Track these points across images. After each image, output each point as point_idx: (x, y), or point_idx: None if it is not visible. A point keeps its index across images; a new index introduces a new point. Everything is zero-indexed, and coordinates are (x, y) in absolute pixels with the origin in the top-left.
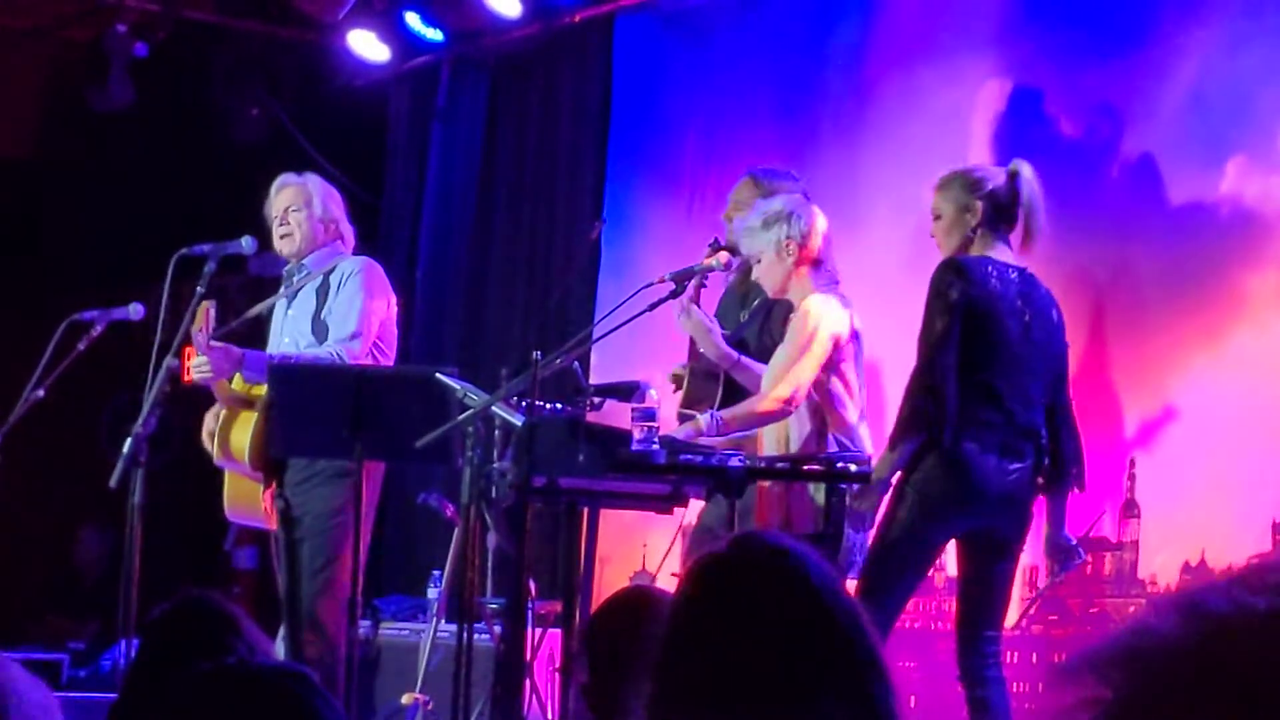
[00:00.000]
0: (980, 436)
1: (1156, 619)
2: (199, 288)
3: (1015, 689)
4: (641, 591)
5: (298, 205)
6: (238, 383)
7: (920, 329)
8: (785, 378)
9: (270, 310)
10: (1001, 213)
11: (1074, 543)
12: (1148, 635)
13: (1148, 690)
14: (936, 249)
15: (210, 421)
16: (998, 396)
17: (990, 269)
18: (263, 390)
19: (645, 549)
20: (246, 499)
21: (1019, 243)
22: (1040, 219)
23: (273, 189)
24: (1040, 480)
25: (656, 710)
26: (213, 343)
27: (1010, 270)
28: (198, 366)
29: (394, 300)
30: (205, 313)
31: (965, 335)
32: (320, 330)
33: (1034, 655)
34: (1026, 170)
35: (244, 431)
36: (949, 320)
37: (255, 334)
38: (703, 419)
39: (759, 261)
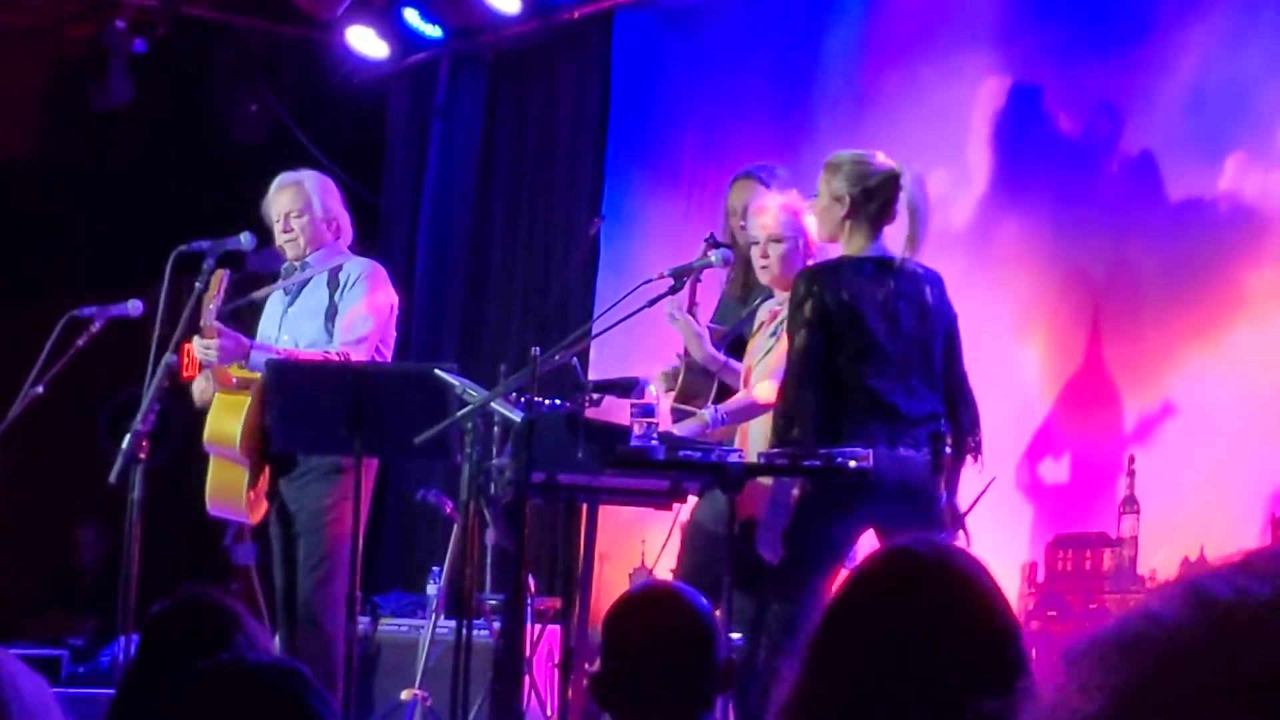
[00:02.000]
0: (865, 434)
1: (1160, 606)
2: (198, 284)
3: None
4: (660, 587)
5: (298, 209)
6: (236, 368)
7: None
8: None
9: (266, 299)
10: (875, 209)
11: (961, 512)
12: (1151, 622)
13: (1151, 677)
14: (937, 246)
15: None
16: (876, 396)
17: (846, 270)
18: (258, 377)
19: (644, 545)
20: (228, 492)
21: (902, 247)
22: (924, 225)
23: (271, 190)
24: (944, 466)
25: (807, 707)
26: (223, 328)
27: (867, 265)
28: (205, 347)
29: (396, 302)
30: (220, 280)
31: (830, 344)
32: (332, 324)
33: (1033, 651)
34: (908, 174)
35: (236, 418)
36: (806, 335)
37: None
38: (706, 413)
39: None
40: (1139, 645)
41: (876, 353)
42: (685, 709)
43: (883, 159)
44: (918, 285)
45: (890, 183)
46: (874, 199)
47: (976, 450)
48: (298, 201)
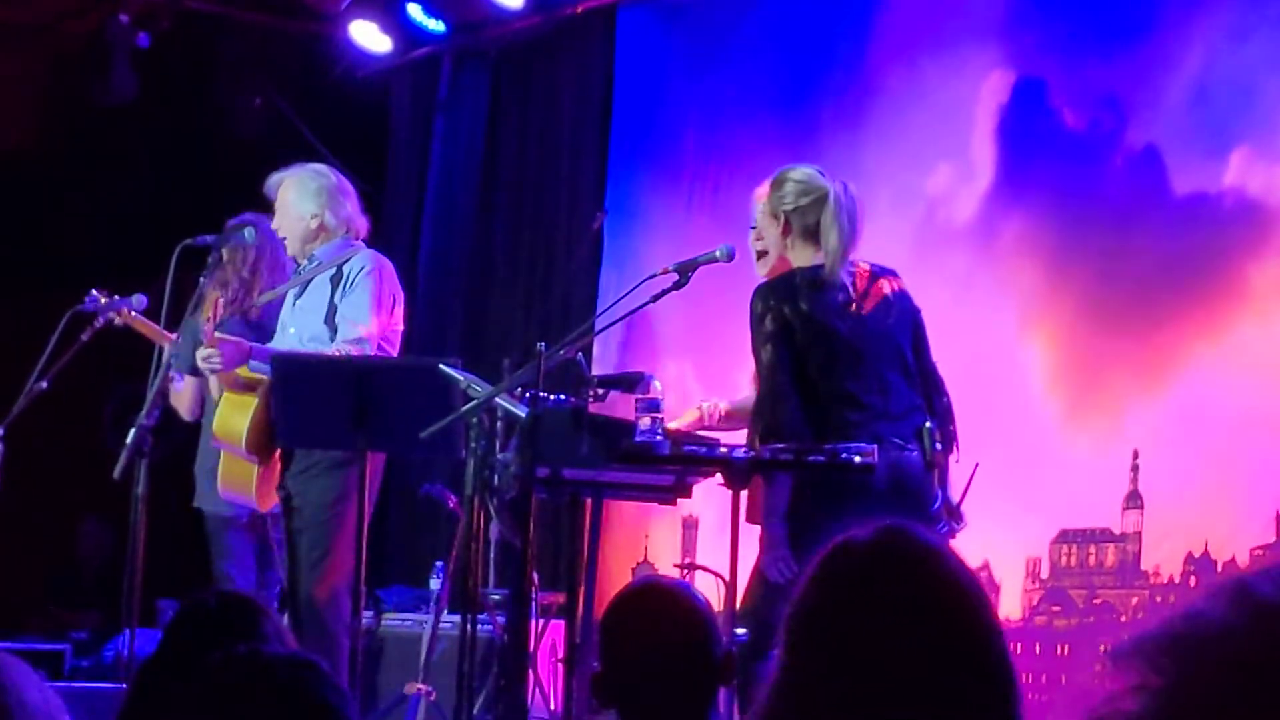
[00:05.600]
0: (852, 436)
1: (1205, 606)
2: (201, 278)
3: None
4: (656, 584)
5: (280, 206)
6: (243, 369)
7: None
8: None
9: (280, 299)
10: (811, 224)
11: (957, 506)
12: (1197, 622)
13: (1197, 675)
14: (941, 242)
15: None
16: (853, 396)
17: (800, 280)
18: (264, 378)
19: (647, 540)
20: (239, 479)
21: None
22: (839, 242)
23: (266, 188)
24: (937, 463)
25: (784, 700)
26: (222, 335)
27: (819, 270)
28: (207, 358)
29: (401, 298)
30: (215, 303)
31: (799, 353)
32: (333, 322)
33: (1037, 646)
34: (834, 194)
35: (243, 417)
36: (772, 349)
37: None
38: (706, 405)
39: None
40: (1186, 645)
41: (847, 354)
42: (687, 704)
43: (820, 180)
44: (875, 282)
45: (820, 202)
46: (806, 217)
47: (952, 441)
48: (281, 198)
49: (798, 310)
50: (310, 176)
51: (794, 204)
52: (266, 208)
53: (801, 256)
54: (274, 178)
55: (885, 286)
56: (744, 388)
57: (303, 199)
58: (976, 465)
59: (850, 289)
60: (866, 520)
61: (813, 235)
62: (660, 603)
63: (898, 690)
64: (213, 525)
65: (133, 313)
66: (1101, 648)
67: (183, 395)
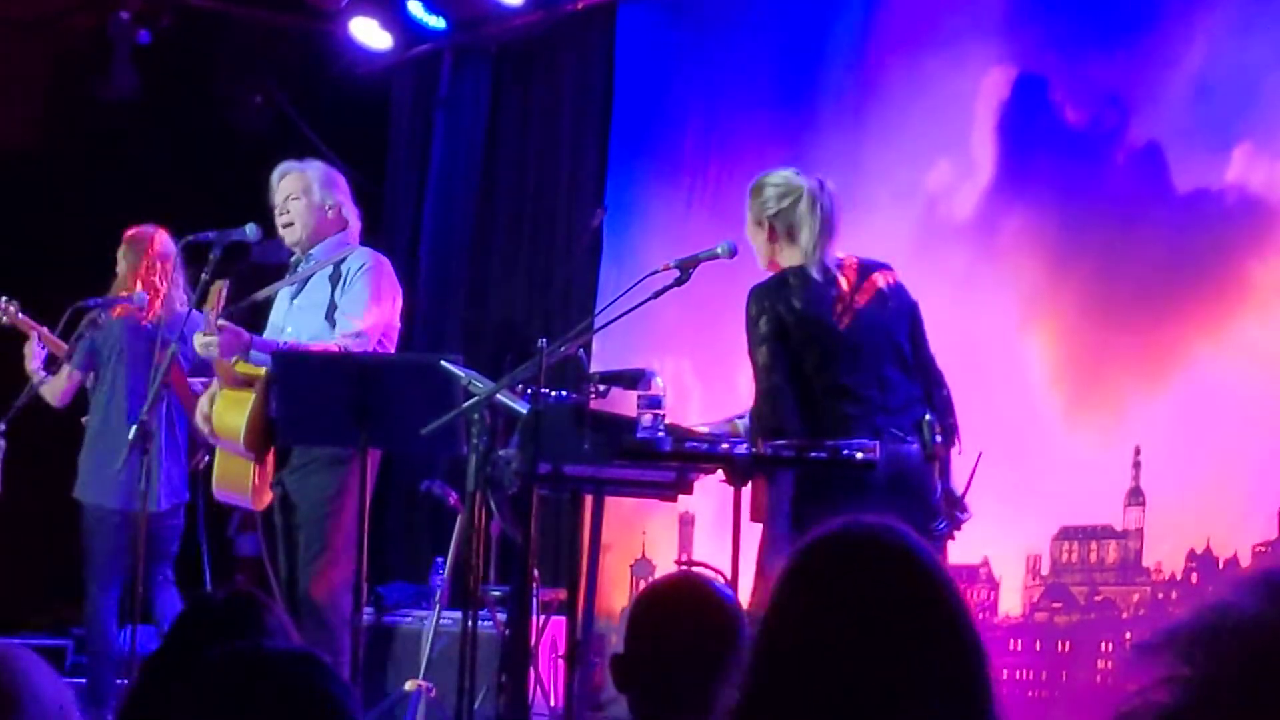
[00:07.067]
0: (850, 431)
1: (1235, 597)
2: (204, 274)
3: (1020, 676)
4: (690, 576)
5: (296, 194)
6: (241, 364)
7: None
8: None
9: (274, 296)
10: (791, 227)
11: (959, 496)
12: (1227, 613)
13: (1228, 666)
14: (941, 237)
15: (205, 404)
16: (850, 390)
17: (792, 280)
18: (263, 372)
19: (644, 536)
20: (235, 478)
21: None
22: (812, 236)
23: (274, 177)
24: (937, 455)
25: (756, 705)
26: (223, 323)
27: (810, 269)
28: (205, 345)
29: (400, 295)
30: (218, 292)
31: (795, 352)
32: (334, 319)
33: (1038, 643)
34: (809, 192)
35: (240, 413)
36: (767, 350)
37: (257, 319)
38: (740, 423)
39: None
40: (1216, 637)
41: (843, 349)
42: (707, 696)
43: (796, 179)
44: (868, 276)
45: (797, 201)
46: (787, 218)
47: (953, 433)
48: (297, 185)
49: (791, 309)
50: (327, 169)
51: (775, 208)
52: (264, 204)
53: (790, 257)
54: (284, 165)
55: (879, 280)
56: (742, 386)
57: (326, 189)
58: (980, 454)
59: (841, 284)
60: (866, 514)
61: (796, 235)
62: (694, 596)
63: (871, 689)
64: (98, 518)
65: (17, 313)
66: (1102, 645)
67: (54, 384)
